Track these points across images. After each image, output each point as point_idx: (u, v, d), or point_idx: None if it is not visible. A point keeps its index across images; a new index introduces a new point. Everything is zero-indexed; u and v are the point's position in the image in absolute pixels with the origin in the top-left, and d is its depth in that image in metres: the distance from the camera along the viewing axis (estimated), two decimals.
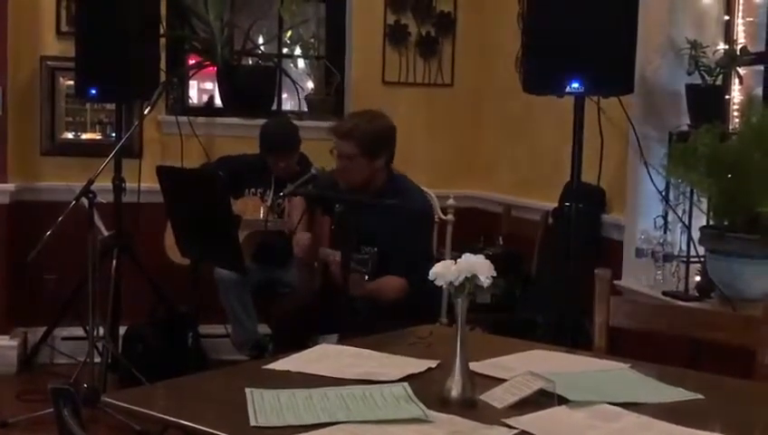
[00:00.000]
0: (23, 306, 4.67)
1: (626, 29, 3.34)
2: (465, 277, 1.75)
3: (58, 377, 4.17)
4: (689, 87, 3.56)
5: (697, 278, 3.41)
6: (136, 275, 4.36)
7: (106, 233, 3.99)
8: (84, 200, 3.73)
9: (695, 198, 3.41)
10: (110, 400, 1.84)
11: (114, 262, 4.23)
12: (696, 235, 3.32)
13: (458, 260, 1.77)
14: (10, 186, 4.55)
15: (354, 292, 3.14)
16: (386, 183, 3.44)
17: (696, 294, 3.35)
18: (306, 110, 5.15)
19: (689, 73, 3.55)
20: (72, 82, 4.58)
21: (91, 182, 3.77)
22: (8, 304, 4.58)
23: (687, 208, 3.49)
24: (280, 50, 5.24)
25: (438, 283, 1.77)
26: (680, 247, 3.59)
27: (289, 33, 5.18)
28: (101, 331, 4.03)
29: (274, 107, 5.12)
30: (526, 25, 3.66)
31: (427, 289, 1.82)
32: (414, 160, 4.88)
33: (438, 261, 1.83)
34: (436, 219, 3.88)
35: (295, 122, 4.58)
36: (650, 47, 3.67)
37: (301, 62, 5.33)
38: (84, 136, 4.85)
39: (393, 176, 3.49)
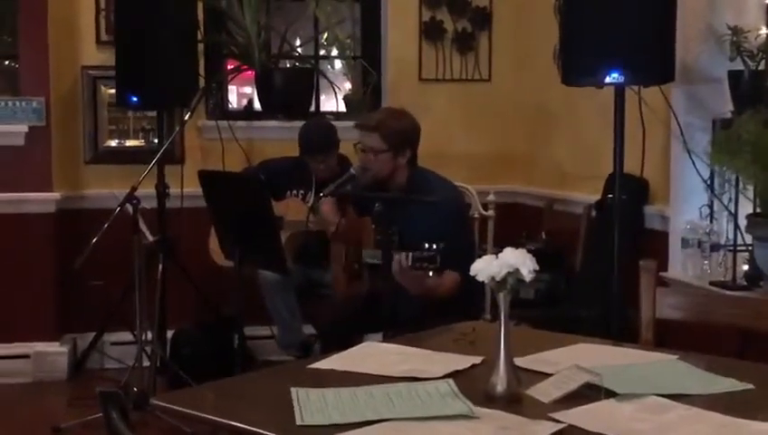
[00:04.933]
0: (71, 313, 4.74)
1: (665, 17, 3.29)
2: (507, 272, 1.74)
3: (108, 382, 4.23)
4: (731, 73, 3.51)
5: (745, 267, 3.36)
6: (181, 279, 4.40)
7: (151, 238, 4.04)
8: (129, 207, 3.78)
9: (740, 185, 3.36)
10: (158, 402, 1.87)
11: (160, 266, 4.27)
12: (742, 223, 3.27)
13: (499, 255, 1.76)
14: (55, 195, 4.62)
15: (414, 290, 3.14)
16: (409, 179, 3.44)
17: (745, 284, 3.30)
18: (344, 110, 5.16)
19: (731, 59, 3.49)
20: (113, 91, 4.64)
21: (134, 189, 3.82)
22: (57, 312, 4.65)
23: (733, 196, 3.44)
24: (317, 51, 5.25)
25: (480, 278, 1.76)
26: (727, 236, 3.54)
27: (325, 35, 5.19)
28: (149, 335, 4.08)
29: (313, 109, 5.14)
30: (563, 17, 3.62)
31: (476, 283, 1.81)
32: (453, 157, 4.87)
33: (480, 257, 1.81)
34: (476, 215, 3.87)
35: (334, 123, 4.60)
36: (690, 34, 3.61)
37: (338, 63, 5.34)
38: (128, 143, 4.92)
39: (417, 171, 3.48)
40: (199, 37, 4.61)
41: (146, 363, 3.94)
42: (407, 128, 3.46)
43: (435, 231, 3.22)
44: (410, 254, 3.06)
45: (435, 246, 2.98)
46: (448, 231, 3.28)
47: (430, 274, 3.00)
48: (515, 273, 1.74)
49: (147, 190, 4.13)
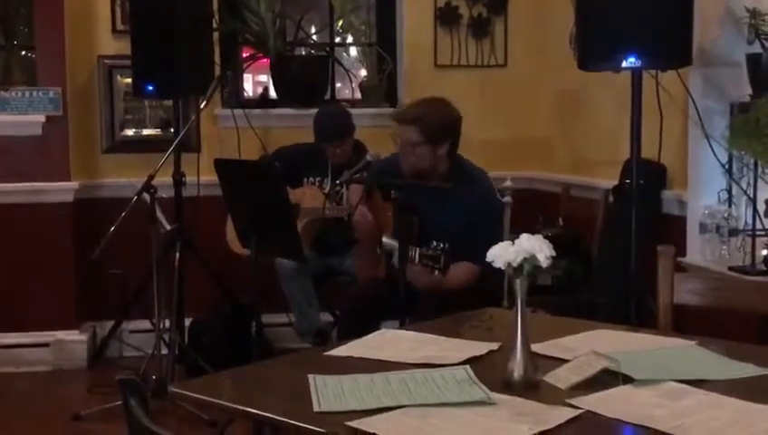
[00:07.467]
0: (90, 302, 4.77)
1: (682, 0, 3.26)
2: (524, 258, 1.73)
3: (127, 370, 4.25)
4: (750, 57, 3.47)
5: (764, 252, 3.33)
6: (198, 268, 4.42)
7: (168, 227, 4.05)
8: (146, 196, 3.79)
9: (759, 169, 3.33)
10: (177, 390, 1.87)
11: (177, 255, 4.29)
12: (761, 207, 3.24)
13: (516, 241, 1.75)
14: (73, 184, 4.65)
15: (418, 284, 3.14)
16: (450, 170, 3.42)
17: (764, 269, 3.28)
18: (360, 97, 5.16)
19: (749, 43, 3.46)
20: (129, 80, 4.65)
21: (151, 178, 3.82)
22: (76, 300, 4.68)
23: (752, 181, 3.42)
24: (332, 39, 5.24)
25: (496, 264, 1.75)
26: (745, 221, 3.51)
27: (340, 22, 5.18)
28: (167, 323, 4.10)
29: (328, 96, 5.13)
30: (579, 1, 3.60)
31: (497, 277, 1.81)
32: (469, 143, 4.80)
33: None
34: None
35: (350, 110, 4.60)
36: (708, 17, 3.58)
37: (353, 50, 5.33)
38: (144, 132, 4.93)
39: (457, 162, 3.46)
40: (214, 25, 4.61)
41: (164, 351, 3.96)
42: (445, 119, 3.39)
43: (465, 222, 3.22)
44: (417, 249, 3.06)
45: (441, 246, 2.97)
46: (481, 224, 3.27)
47: (435, 272, 2.99)
48: (532, 259, 1.73)
49: (164, 179, 4.15)
